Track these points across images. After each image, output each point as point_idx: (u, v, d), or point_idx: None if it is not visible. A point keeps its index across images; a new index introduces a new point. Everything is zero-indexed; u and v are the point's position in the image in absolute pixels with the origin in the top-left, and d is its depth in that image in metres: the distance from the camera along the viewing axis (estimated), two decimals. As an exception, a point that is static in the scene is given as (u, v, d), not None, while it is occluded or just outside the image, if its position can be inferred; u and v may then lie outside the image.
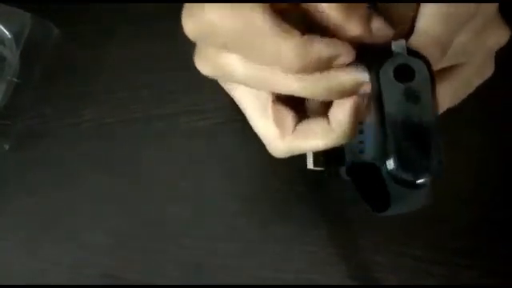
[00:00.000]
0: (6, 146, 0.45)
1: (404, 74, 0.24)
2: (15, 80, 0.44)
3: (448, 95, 0.29)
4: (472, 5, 0.26)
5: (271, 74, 0.26)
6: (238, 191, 0.41)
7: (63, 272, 0.42)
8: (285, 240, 0.40)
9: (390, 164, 0.23)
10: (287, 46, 0.24)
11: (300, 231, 0.40)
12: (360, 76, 0.25)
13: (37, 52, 0.45)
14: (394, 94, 0.23)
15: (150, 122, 0.43)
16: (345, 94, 0.26)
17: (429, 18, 0.26)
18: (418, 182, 0.23)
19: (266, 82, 0.26)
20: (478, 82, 0.30)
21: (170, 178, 0.42)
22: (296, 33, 0.24)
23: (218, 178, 0.42)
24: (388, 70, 0.24)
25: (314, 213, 0.40)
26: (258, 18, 0.24)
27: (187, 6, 0.25)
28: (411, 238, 0.39)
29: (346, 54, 0.24)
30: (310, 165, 0.39)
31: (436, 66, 0.26)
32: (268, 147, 0.29)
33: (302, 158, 0.41)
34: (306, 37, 0.24)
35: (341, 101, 0.26)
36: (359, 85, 0.25)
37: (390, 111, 0.23)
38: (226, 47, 0.25)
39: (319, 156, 0.39)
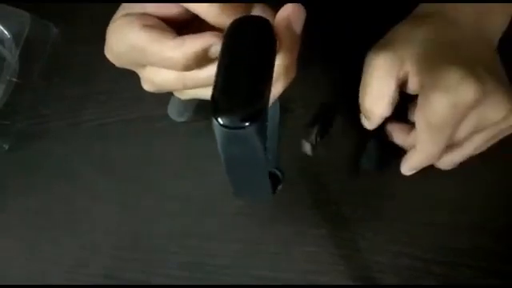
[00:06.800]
0: (6, 146, 0.45)
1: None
2: (14, 80, 0.44)
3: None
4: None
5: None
6: (238, 191, 0.41)
7: (63, 272, 0.42)
8: (285, 240, 0.40)
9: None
10: (167, 52, 0.27)
11: (300, 231, 0.40)
12: None
13: (36, 52, 0.45)
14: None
15: (150, 122, 0.43)
16: None
17: None
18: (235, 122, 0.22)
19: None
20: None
21: (170, 177, 0.42)
22: (167, 37, 0.27)
23: (218, 178, 0.42)
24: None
25: (313, 213, 0.40)
26: (133, 38, 0.27)
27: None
28: (411, 237, 0.39)
29: (216, 43, 0.26)
30: (309, 152, 0.40)
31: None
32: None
33: (302, 158, 0.41)
34: (178, 39, 0.27)
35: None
36: None
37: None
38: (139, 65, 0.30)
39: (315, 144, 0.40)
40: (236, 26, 0.25)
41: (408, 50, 0.34)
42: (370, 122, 0.37)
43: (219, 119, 0.23)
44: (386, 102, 0.35)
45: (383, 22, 0.37)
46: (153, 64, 0.29)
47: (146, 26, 0.28)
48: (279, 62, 0.26)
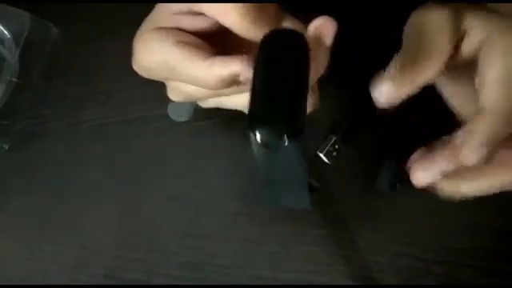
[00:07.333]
0: (6, 146, 0.45)
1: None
2: (14, 80, 0.44)
3: None
4: None
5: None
6: (237, 191, 0.41)
7: (63, 272, 0.42)
8: (285, 240, 0.40)
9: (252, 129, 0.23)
10: (196, 72, 0.27)
11: (300, 231, 0.40)
12: None
13: (36, 52, 0.45)
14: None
15: (149, 121, 0.43)
16: None
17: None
18: (273, 141, 0.23)
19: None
20: None
21: (170, 177, 0.42)
22: (199, 56, 0.27)
23: (218, 177, 0.42)
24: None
25: (313, 213, 0.40)
26: (163, 54, 0.27)
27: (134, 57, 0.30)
28: (411, 238, 0.39)
29: (244, 71, 0.26)
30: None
31: None
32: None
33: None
34: (208, 61, 0.27)
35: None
36: None
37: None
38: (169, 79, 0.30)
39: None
40: (271, 38, 0.25)
41: (466, 6, 0.30)
42: (400, 92, 0.29)
43: (258, 137, 0.23)
44: (438, 64, 0.29)
45: (384, 23, 0.37)
46: (182, 81, 0.29)
47: (180, 43, 0.27)
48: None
